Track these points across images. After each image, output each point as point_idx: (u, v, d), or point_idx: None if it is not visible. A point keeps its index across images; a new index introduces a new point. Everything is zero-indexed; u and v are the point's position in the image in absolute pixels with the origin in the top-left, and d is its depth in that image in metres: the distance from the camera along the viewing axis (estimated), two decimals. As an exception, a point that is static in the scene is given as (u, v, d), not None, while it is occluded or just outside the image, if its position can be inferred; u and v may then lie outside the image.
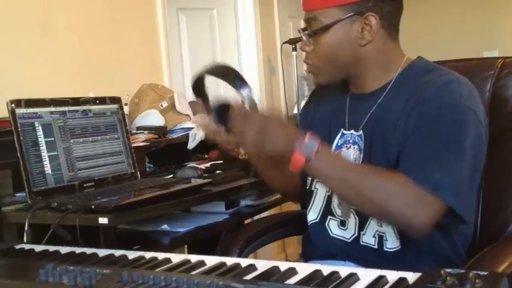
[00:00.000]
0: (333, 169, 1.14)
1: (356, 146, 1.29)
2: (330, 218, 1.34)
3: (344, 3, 1.21)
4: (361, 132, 1.28)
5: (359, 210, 1.20)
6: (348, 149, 1.30)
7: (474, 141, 1.15)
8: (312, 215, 1.38)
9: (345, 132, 1.32)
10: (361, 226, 1.27)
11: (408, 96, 1.21)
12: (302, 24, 1.33)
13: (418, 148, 1.15)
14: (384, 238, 1.24)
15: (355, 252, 1.28)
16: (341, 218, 1.31)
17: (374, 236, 1.25)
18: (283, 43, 3.54)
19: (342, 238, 1.31)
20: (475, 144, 1.15)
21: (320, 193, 1.36)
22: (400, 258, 1.23)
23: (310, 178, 1.39)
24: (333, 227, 1.33)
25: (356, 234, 1.28)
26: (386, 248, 1.24)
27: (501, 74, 1.42)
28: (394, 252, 1.23)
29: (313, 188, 1.38)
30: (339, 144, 1.33)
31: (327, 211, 1.35)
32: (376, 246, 1.25)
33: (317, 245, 1.37)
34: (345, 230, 1.30)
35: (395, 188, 1.11)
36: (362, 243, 1.27)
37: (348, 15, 1.21)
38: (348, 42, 1.23)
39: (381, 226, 1.24)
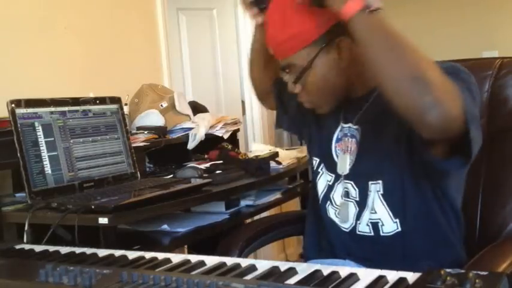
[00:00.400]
0: (384, 25, 1.06)
1: (354, 140, 1.32)
2: (329, 204, 1.38)
3: (313, 40, 1.21)
4: (357, 126, 1.32)
5: (385, 73, 1.05)
6: (346, 141, 1.34)
7: (477, 97, 1.13)
8: (319, 188, 1.41)
9: (343, 125, 1.35)
10: (358, 216, 1.30)
11: None
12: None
13: None
14: (380, 224, 1.26)
15: (354, 244, 1.31)
16: (339, 208, 1.34)
17: (367, 224, 1.28)
18: (283, 43, 3.54)
19: (341, 227, 1.33)
20: (478, 97, 1.14)
21: (323, 179, 1.40)
22: (399, 241, 1.25)
23: (317, 160, 1.42)
24: (331, 213, 1.37)
25: (353, 223, 1.31)
26: (383, 233, 1.26)
27: (499, 74, 1.43)
28: (392, 237, 1.25)
29: (319, 170, 1.41)
30: (338, 137, 1.36)
31: (326, 197, 1.38)
32: (372, 234, 1.28)
33: (322, 219, 1.40)
34: (342, 220, 1.33)
35: (438, 68, 1.03)
36: (358, 233, 1.30)
37: (320, 48, 1.21)
38: (331, 70, 1.24)
39: (375, 213, 1.26)
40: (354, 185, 1.31)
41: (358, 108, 1.31)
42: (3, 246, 1.25)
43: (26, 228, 1.37)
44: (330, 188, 1.37)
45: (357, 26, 1.07)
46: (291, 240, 3.65)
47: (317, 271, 0.87)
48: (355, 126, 1.32)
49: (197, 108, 2.48)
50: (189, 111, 2.34)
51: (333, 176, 1.37)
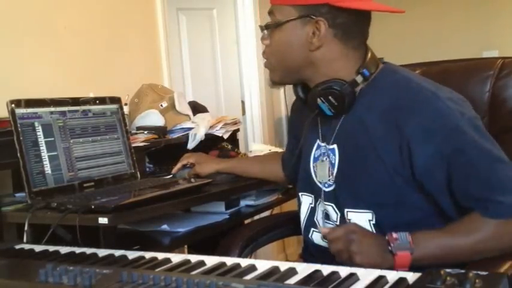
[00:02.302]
0: (436, 244, 1.12)
1: (328, 160, 1.27)
2: (313, 231, 1.34)
3: (300, 4, 1.21)
4: (334, 146, 1.26)
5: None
6: (322, 161, 1.29)
7: (489, 136, 1.16)
8: (301, 219, 1.38)
9: (320, 144, 1.31)
10: None
11: (384, 116, 1.18)
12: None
13: (470, 183, 1.13)
14: None
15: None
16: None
17: None
18: (283, 43, 3.54)
19: (325, 247, 1.28)
20: (486, 134, 1.16)
21: (304, 203, 1.37)
22: None
23: (301, 194, 1.39)
24: (316, 239, 1.32)
25: None
26: None
27: (501, 74, 1.43)
28: None
29: (300, 195, 1.39)
30: (315, 156, 1.32)
31: (309, 223, 1.35)
32: None
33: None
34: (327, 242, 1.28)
35: (489, 239, 1.12)
36: None
37: (300, 15, 1.21)
38: (298, 43, 1.23)
39: None
40: (334, 208, 1.26)
41: (333, 124, 1.26)
42: (3, 246, 1.24)
43: (25, 228, 1.37)
44: (313, 211, 1.33)
45: (421, 262, 1.09)
46: (291, 240, 3.65)
47: (317, 271, 0.87)
48: (330, 146, 1.27)
49: (197, 108, 2.47)
50: (189, 111, 2.34)
51: (312, 196, 1.33)
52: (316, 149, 1.32)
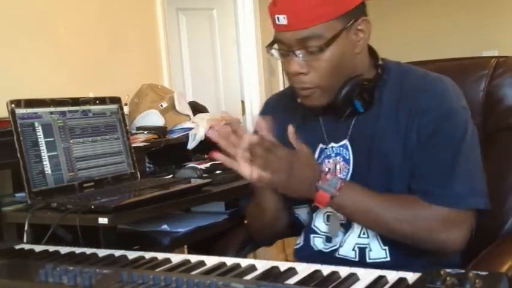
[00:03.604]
0: (358, 204, 1.14)
1: (339, 157, 1.22)
2: (314, 237, 1.27)
3: (346, 11, 1.11)
4: (345, 142, 1.22)
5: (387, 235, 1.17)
6: (328, 163, 1.24)
7: (472, 135, 1.17)
8: (297, 240, 1.34)
9: (324, 146, 1.25)
10: (343, 241, 1.22)
11: (394, 102, 1.18)
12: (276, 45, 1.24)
13: (428, 165, 1.14)
14: (368, 249, 1.19)
15: (334, 263, 1.22)
16: (327, 235, 1.25)
17: (354, 249, 1.20)
18: (283, 43, 3.54)
19: (322, 249, 1.26)
20: (473, 137, 1.17)
21: (302, 216, 1.31)
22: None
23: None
24: (318, 244, 1.26)
25: (337, 245, 1.23)
26: (370, 259, 1.18)
27: (495, 73, 1.42)
28: (378, 265, 1.16)
29: (295, 209, 1.32)
30: (318, 161, 1.25)
31: (309, 231, 1.28)
32: (357, 259, 1.19)
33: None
34: (330, 243, 1.24)
35: (422, 218, 1.12)
36: (339, 256, 1.21)
37: (348, 23, 1.12)
38: (350, 51, 1.14)
39: (367, 237, 1.19)
40: None
41: (346, 122, 1.21)
42: (3, 246, 1.24)
43: (25, 228, 1.37)
44: (310, 219, 1.28)
45: (337, 210, 1.17)
46: (291, 240, 3.64)
47: (317, 271, 0.87)
48: (338, 144, 1.22)
49: (197, 108, 2.48)
50: (189, 111, 2.34)
51: (307, 204, 1.26)
52: (320, 153, 1.26)
